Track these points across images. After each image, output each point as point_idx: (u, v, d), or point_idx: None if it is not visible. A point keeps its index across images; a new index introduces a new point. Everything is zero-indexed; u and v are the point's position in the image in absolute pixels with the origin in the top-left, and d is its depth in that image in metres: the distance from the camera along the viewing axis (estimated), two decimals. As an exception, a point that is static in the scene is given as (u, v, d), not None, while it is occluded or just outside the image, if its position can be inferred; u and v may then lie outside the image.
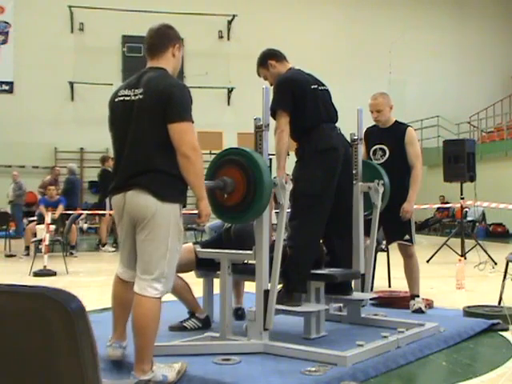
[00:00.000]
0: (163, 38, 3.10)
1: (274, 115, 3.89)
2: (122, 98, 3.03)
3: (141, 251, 2.97)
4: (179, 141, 2.87)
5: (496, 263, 7.87)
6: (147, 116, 2.92)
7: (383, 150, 4.97)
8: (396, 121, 5.07)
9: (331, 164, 3.93)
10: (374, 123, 5.09)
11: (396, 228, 4.95)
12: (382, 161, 4.92)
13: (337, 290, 4.11)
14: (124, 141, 2.99)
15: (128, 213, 2.98)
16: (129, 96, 3.00)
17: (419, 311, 4.80)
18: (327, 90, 4.17)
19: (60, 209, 9.85)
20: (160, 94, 2.90)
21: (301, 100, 3.94)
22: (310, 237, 3.92)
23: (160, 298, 2.97)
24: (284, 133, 3.90)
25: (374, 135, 4.98)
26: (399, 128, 5.00)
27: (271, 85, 4.07)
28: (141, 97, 2.94)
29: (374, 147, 5.00)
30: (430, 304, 5.18)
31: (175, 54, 3.12)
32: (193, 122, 2.95)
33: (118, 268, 3.22)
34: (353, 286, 4.33)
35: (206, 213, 3.01)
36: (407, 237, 4.92)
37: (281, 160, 3.88)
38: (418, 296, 4.93)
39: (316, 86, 4.07)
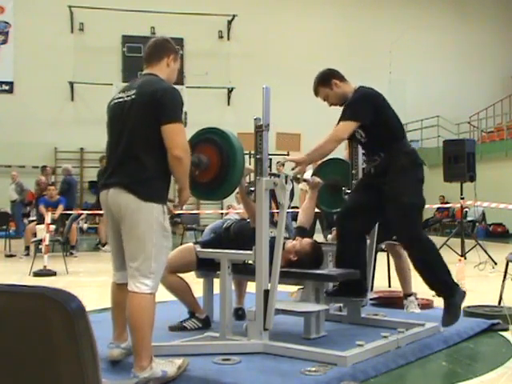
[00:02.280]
0: (160, 49, 3.25)
1: (343, 120, 3.86)
2: (116, 101, 3.16)
3: (126, 248, 3.04)
4: (172, 142, 2.96)
5: (496, 263, 7.87)
6: (137, 115, 3.02)
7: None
8: None
9: (423, 178, 3.99)
10: None
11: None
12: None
13: (351, 291, 4.09)
14: (113, 140, 3.12)
15: (110, 210, 3.08)
16: (122, 98, 3.12)
17: (414, 311, 4.83)
18: None
19: (60, 209, 9.86)
20: (151, 95, 2.99)
21: (384, 112, 3.95)
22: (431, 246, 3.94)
23: (152, 293, 3.00)
24: (338, 143, 3.85)
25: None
26: None
27: (331, 105, 4.07)
28: (133, 97, 3.05)
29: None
30: (429, 304, 5.19)
31: (170, 65, 3.24)
32: (182, 123, 3.05)
33: (113, 273, 3.28)
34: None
35: (185, 200, 3.17)
36: None
37: (315, 156, 3.92)
38: (410, 295, 4.96)
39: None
